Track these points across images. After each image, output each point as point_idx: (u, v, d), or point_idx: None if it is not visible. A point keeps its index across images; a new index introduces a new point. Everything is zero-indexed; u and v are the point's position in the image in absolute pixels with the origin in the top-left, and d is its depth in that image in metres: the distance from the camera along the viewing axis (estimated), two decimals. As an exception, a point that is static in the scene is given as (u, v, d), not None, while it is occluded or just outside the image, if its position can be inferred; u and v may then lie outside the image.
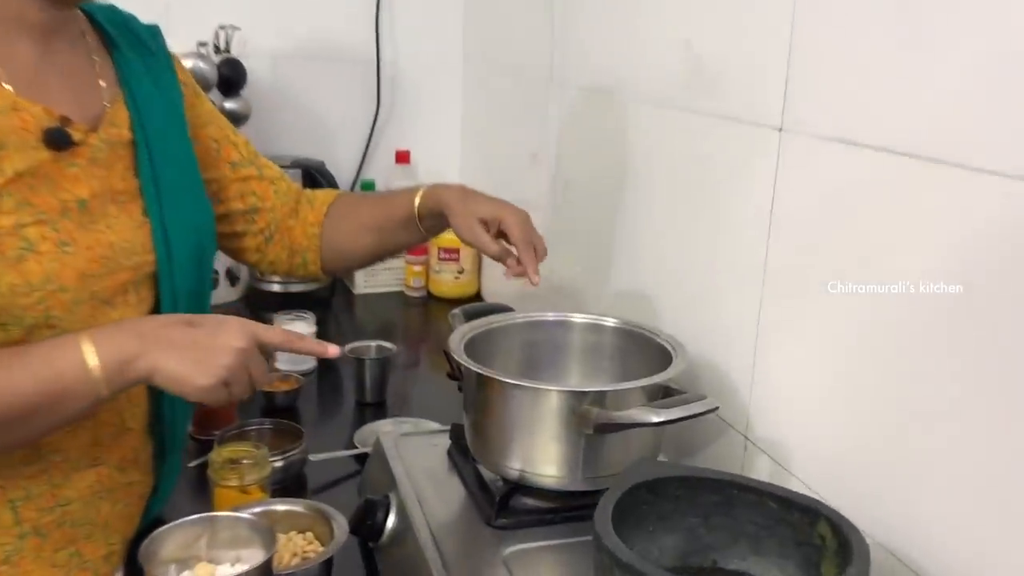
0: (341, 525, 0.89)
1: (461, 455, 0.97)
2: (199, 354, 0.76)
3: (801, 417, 0.86)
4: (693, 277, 1.04)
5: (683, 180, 1.06)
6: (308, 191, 1.16)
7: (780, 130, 0.86)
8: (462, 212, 1.03)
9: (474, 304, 1.05)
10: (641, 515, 0.72)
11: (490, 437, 0.89)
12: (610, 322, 1.02)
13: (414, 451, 1.01)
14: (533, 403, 0.85)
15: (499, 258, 1.02)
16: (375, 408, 1.35)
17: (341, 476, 1.16)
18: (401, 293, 1.90)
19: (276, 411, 1.31)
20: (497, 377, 0.85)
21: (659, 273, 1.13)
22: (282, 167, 1.77)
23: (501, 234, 1.02)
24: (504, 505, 0.87)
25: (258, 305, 1.77)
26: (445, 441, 1.01)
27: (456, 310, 1.03)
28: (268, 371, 0.82)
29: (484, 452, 0.91)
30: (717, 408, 0.81)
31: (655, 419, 0.78)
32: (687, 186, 1.05)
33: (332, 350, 0.86)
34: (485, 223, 1.01)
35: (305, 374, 1.41)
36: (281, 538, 0.89)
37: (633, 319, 1.02)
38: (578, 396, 0.83)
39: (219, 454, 0.99)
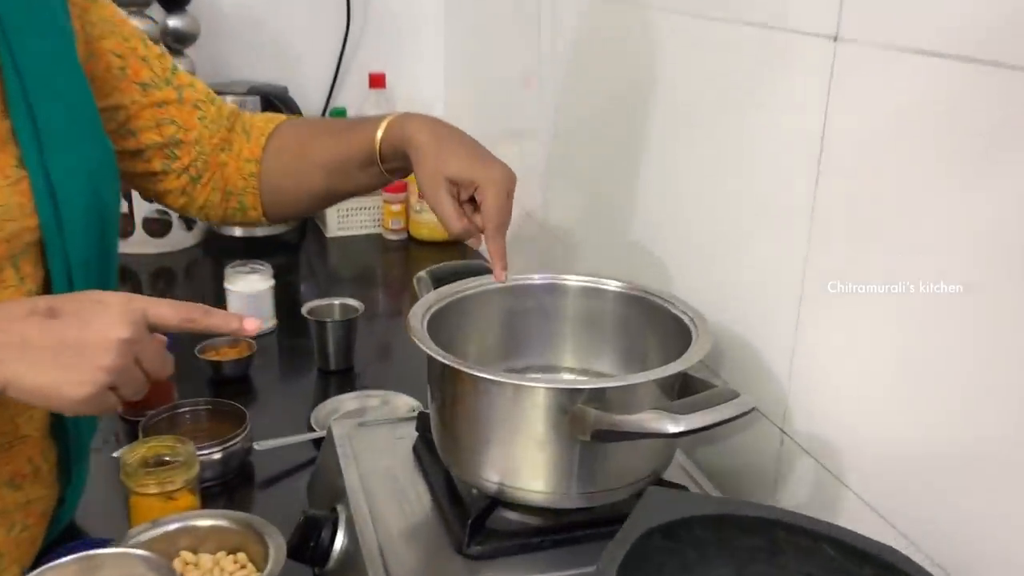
0: (278, 545, 0.72)
1: (429, 453, 0.79)
2: (67, 357, 0.58)
3: (856, 410, 0.69)
4: (719, 227, 0.87)
5: (709, 105, 0.87)
6: (246, 114, 0.95)
7: (835, 39, 0.68)
8: (430, 166, 0.81)
9: (446, 264, 0.85)
10: (657, 566, 0.54)
11: (461, 441, 0.71)
12: (612, 285, 0.83)
13: (373, 446, 0.83)
14: (514, 402, 0.66)
15: (461, 238, 0.81)
16: (340, 377, 1.18)
17: (299, 462, 0.99)
18: (379, 236, 1.72)
19: (224, 383, 1.14)
20: (467, 370, 0.66)
21: (675, 222, 0.95)
22: (238, 95, 1.58)
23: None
24: (479, 527, 0.69)
25: (218, 252, 1.61)
26: (412, 431, 0.83)
27: (422, 273, 0.83)
28: (167, 359, 0.64)
29: (456, 458, 0.72)
30: (752, 410, 0.62)
31: (672, 428, 0.59)
32: (714, 112, 0.87)
33: (248, 325, 0.67)
34: (456, 185, 0.80)
35: (262, 336, 1.23)
36: (207, 560, 0.74)
37: (641, 281, 0.83)
38: (570, 395, 0.64)
39: (133, 454, 0.81)
